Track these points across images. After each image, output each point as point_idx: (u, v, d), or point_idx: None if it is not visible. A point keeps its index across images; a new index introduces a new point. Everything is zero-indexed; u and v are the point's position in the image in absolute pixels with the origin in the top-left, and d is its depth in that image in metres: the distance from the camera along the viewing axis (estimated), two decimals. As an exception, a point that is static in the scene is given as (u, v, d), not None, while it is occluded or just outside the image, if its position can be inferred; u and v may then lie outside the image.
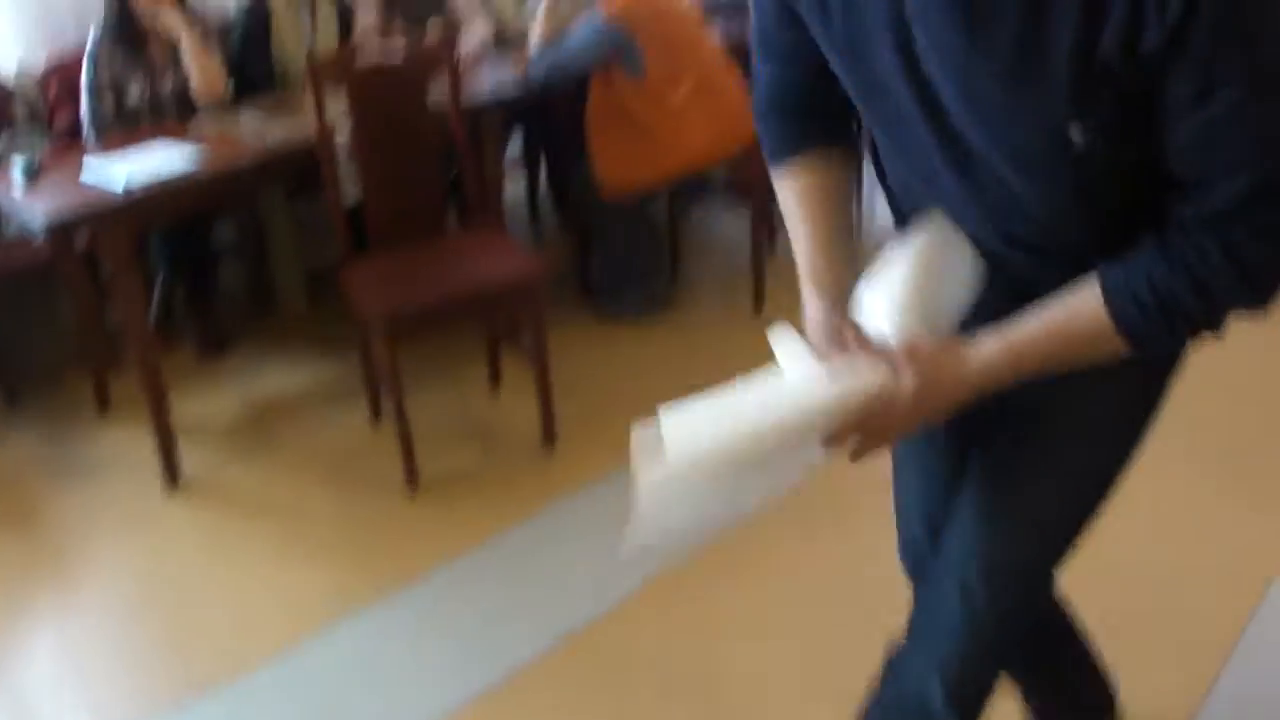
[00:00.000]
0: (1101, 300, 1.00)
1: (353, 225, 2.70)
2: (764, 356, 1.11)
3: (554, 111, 3.62)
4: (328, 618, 2.18)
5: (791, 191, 1.25)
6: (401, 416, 2.52)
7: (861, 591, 2.10)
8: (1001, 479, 1.23)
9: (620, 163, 3.17)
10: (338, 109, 2.62)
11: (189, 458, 2.72)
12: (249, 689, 2.02)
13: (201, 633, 2.19)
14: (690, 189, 3.76)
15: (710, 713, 1.89)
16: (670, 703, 1.92)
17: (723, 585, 2.21)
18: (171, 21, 3.01)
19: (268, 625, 2.18)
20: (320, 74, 2.54)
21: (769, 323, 1.14)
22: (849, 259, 1.22)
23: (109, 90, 3.04)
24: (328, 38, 3.30)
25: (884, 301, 1.11)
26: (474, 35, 3.50)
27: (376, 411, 2.88)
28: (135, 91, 3.06)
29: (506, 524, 2.44)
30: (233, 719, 1.97)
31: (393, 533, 2.47)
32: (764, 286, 3.38)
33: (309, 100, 2.57)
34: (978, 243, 1.11)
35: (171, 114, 3.10)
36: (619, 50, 3.01)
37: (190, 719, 1.97)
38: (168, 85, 3.09)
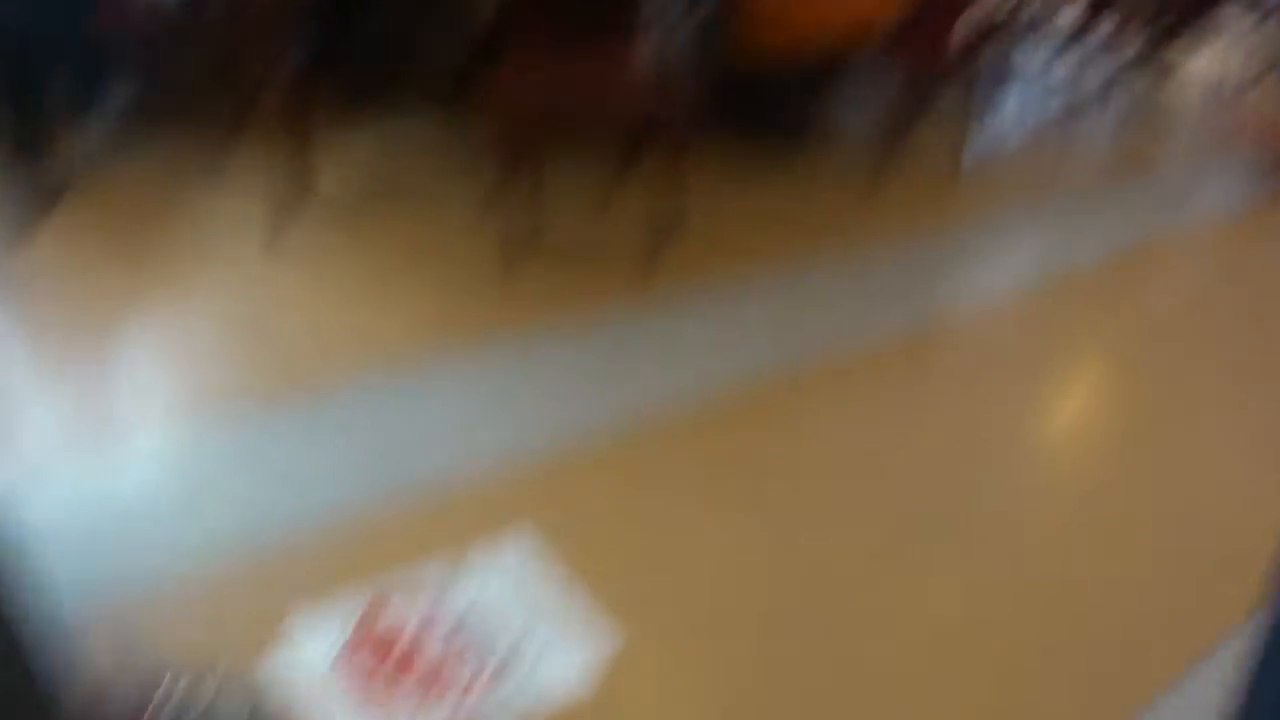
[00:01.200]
0: None
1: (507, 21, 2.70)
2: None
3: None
4: (419, 359, 2.21)
5: None
6: (525, 189, 2.54)
7: (972, 448, 2.07)
8: None
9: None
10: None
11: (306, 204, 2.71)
12: (332, 406, 2.04)
13: (291, 356, 2.20)
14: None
15: (781, 532, 1.79)
16: (749, 510, 1.84)
17: (825, 410, 2.16)
18: None
19: (356, 358, 2.20)
20: None
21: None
22: None
23: None
24: None
25: None
26: None
27: (494, 191, 2.71)
28: None
29: (608, 310, 2.45)
30: (312, 428, 1.97)
31: (492, 300, 2.46)
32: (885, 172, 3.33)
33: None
34: None
35: None
36: None
37: (279, 422, 1.97)
38: None
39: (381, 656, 1.50)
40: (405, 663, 1.49)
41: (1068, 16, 4.24)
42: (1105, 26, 4.17)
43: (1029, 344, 2.48)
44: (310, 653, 1.51)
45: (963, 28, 3.40)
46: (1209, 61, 4.60)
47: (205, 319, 2.30)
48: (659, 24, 3.22)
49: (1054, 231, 3.16)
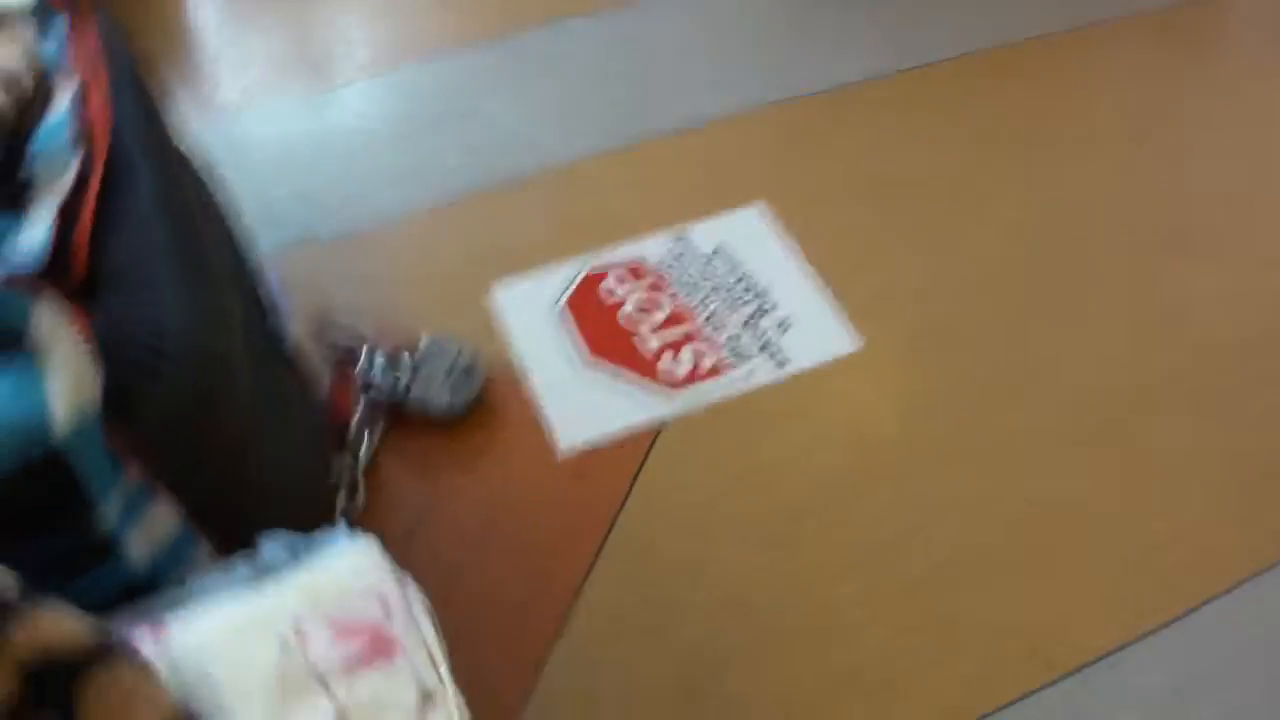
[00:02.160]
0: None
1: None
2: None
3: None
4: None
5: None
6: None
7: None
8: None
9: None
10: None
11: None
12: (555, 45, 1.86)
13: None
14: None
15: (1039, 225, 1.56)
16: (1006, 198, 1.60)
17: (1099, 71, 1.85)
18: None
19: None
20: None
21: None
22: None
23: None
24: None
25: None
26: None
27: None
28: None
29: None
30: (531, 72, 1.80)
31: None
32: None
33: None
34: None
35: None
36: None
37: (497, 65, 1.83)
38: None
39: (608, 313, 1.43)
40: (631, 320, 1.41)
41: None
42: None
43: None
44: (525, 308, 1.44)
45: None
46: None
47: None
48: None
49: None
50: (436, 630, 0.72)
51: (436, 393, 1.29)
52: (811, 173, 1.61)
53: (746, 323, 1.39)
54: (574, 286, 1.45)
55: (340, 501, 1.19)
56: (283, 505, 1.02)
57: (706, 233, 1.51)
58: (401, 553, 1.22)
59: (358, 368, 1.32)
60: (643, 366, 1.35)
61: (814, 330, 1.39)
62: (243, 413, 0.92)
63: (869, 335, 1.38)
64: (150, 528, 0.81)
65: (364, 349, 1.34)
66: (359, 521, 1.21)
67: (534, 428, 1.30)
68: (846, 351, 1.37)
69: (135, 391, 0.79)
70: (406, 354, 1.33)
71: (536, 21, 1.89)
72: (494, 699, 1.08)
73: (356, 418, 1.26)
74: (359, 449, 1.25)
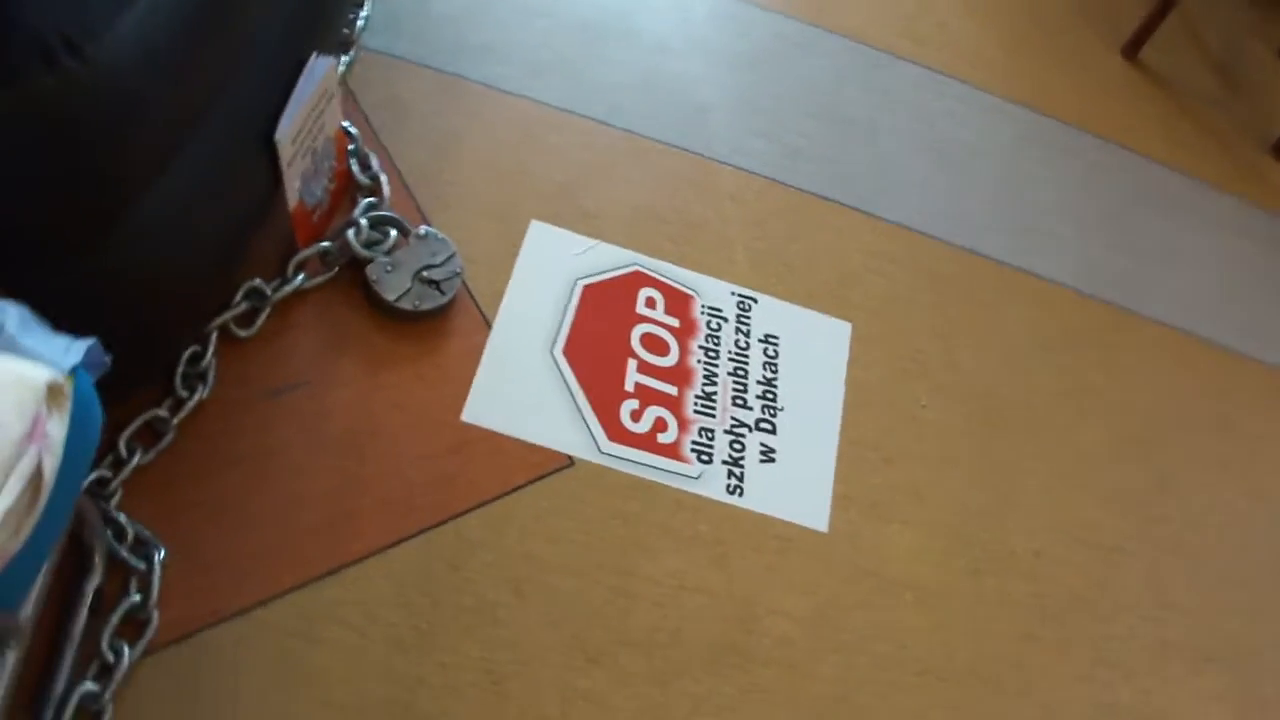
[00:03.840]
0: None
1: None
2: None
3: None
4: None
5: None
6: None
7: None
8: None
9: None
10: None
11: None
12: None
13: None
14: None
15: None
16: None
17: None
18: None
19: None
20: None
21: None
22: None
23: None
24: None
25: None
26: None
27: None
28: None
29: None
30: None
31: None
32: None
33: None
34: None
35: None
36: None
37: None
38: None
39: (617, 321, 1.26)
40: (630, 345, 1.24)
41: None
42: None
43: None
44: (545, 261, 1.28)
45: None
46: None
47: None
48: None
49: None
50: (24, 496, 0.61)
51: (393, 282, 1.16)
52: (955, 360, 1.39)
53: (734, 427, 1.21)
54: (611, 274, 1.28)
55: (222, 317, 1.08)
56: (152, 267, 0.91)
57: (774, 313, 1.32)
58: (254, 403, 1.11)
59: (354, 211, 1.20)
60: (602, 396, 1.18)
61: (794, 483, 1.19)
62: (134, 154, 0.83)
63: (839, 527, 1.18)
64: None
65: (366, 198, 1.21)
66: (236, 353, 1.09)
67: (456, 378, 1.15)
68: (808, 525, 1.17)
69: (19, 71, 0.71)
70: (396, 231, 1.19)
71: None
72: (221, 594, 0.97)
73: (301, 253, 1.14)
74: (281, 283, 1.13)
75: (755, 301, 1.32)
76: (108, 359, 0.76)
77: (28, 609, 0.86)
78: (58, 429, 0.66)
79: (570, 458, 1.13)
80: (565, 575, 1.06)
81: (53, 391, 0.66)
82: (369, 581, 1.00)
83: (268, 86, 1.04)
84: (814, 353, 1.30)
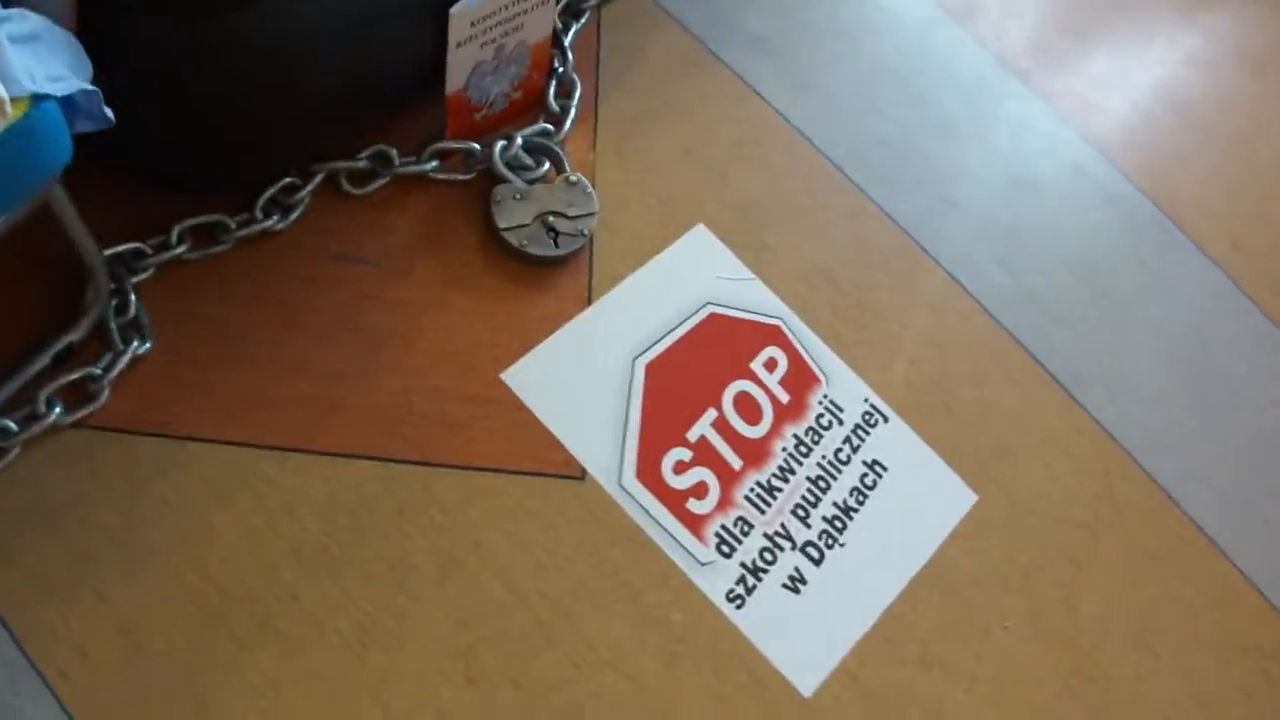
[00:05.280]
0: None
1: None
2: None
3: None
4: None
5: None
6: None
7: None
8: None
9: None
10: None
11: None
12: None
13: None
14: None
15: None
16: None
17: None
18: None
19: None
20: None
21: None
22: None
23: None
24: None
25: None
26: None
27: None
28: None
29: None
30: None
31: None
32: None
33: None
34: None
35: None
36: None
37: None
38: None
39: (728, 363, 1.11)
40: (721, 399, 1.09)
41: None
42: None
43: None
44: (678, 269, 1.15)
45: None
46: None
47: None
48: None
49: None
50: None
51: (515, 211, 1.07)
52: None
53: (778, 536, 1.04)
54: (748, 316, 1.14)
55: (338, 164, 1.03)
56: (286, 60, 0.89)
57: (898, 443, 1.13)
58: (318, 258, 1.06)
59: (521, 129, 1.12)
60: (656, 430, 1.05)
61: (805, 628, 1.01)
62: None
63: (823, 701, 0.99)
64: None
65: (544, 123, 1.13)
66: (332, 205, 1.05)
67: (521, 335, 1.05)
68: (790, 679, 0.99)
69: None
70: (550, 165, 1.11)
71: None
72: (175, 412, 0.93)
73: (444, 143, 1.08)
74: (411, 161, 1.07)
75: (885, 420, 1.13)
76: (110, 115, 0.72)
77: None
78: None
79: (585, 472, 1.00)
80: (501, 583, 0.94)
81: None
82: (308, 477, 0.93)
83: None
84: (917, 506, 1.10)
